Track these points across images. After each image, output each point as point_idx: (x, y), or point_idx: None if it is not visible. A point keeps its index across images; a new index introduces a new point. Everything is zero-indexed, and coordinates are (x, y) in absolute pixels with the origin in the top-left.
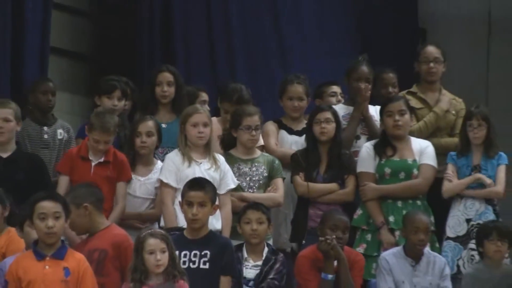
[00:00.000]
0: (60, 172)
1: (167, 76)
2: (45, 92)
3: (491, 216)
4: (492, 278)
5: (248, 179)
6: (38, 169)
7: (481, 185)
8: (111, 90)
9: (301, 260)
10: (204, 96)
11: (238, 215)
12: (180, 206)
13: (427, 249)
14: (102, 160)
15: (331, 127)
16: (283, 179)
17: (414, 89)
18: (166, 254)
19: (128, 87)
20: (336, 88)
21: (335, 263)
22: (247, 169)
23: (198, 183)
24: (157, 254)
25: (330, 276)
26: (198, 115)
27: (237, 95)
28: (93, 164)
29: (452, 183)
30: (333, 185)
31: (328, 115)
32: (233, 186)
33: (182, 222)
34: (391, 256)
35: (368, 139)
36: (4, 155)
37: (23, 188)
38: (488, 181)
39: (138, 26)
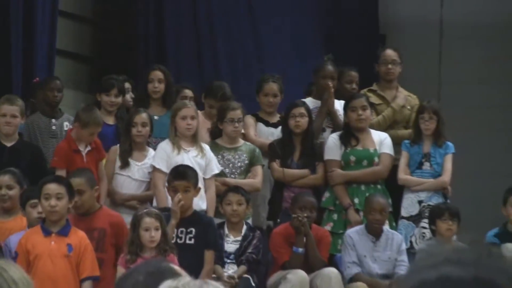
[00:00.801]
0: (56, 167)
1: (158, 74)
2: (52, 89)
3: (440, 199)
4: (443, 252)
5: (231, 165)
6: (37, 157)
7: (431, 175)
8: (109, 88)
9: (275, 236)
10: (187, 92)
11: (220, 197)
12: (167, 191)
13: (386, 227)
14: (90, 148)
15: (304, 120)
16: (262, 166)
17: (374, 87)
18: (160, 231)
19: (130, 84)
20: None
21: (305, 239)
22: (230, 156)
23: (181, 173)
24: (152, 231)
25: (300, 250)
26: (187, 109)
27: (221, 92)
28: (84, 154)
29: (412, 179)
30: (305, 171)
31: (302, 110)
32: (217, 171)
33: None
34: (355, 233)
35: (333, 132)
36: (8, 144)
37: (24, 174)
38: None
39: (135, 31)
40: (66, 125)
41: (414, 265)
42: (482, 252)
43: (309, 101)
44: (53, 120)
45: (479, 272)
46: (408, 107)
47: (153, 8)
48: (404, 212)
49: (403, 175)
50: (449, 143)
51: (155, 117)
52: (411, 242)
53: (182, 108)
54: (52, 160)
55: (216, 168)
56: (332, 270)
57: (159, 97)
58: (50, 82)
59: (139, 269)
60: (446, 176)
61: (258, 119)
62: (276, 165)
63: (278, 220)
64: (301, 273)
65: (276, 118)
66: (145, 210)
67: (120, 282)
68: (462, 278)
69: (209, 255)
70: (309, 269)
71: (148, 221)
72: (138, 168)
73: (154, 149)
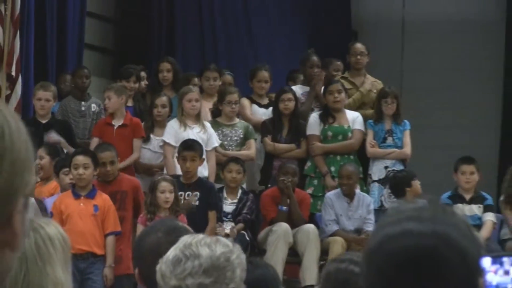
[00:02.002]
0: (93, 136)
1: (166, 65)
2: (81, 76)
3: (401, 166)
4: (405, 210)
5: (229, 139)
6: (67, 132)
7: (394, 147)
8: (128, 76)
9: (264, 197)
10: (196, 80)
11: (221, 165)
12: (177, 160)
13: (358, 190)
14: (121, 123)
15: (291, 104)
16: (255, 140)
17: (346, 74)
18: (173, 194)
19: (145, 73)
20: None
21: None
22: (228, 131)
23: (190, 145)
24: (167, 193)
25: (284, 208)
26: (192, 93)
27: (213, 64)
28: (115, 128)
29: (377, 150)
30: (292, 146)
31: (290, 95)
32: (216, 144)
33: (179, 171)
34: (333, 195)
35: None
36: (43, 121)
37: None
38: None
39: (149, 28)
40: (93, 107)
41: (380, 221)
42: (438, 210)
43: (299, 87)
44: (83, 103)
45: (436, 226)
46: (374, 91)
47: (165, 9)
48: (374, 176)
49: (370, 148)
50: (406, 121)
51: None
52: (381, 201)
53: (188, 93)
54: (93, 130)
55: (215, 141)
56: (311, 226)
57: (169, 84)
58: (79, 70)
59: (157, 227)
60: (408, 149)
61: (252, 101)
62: (268, 140)
63: (269, 185)
64: (284, 225)
65: (266, 100)
66: (161, 176)
67: (141, 239)
68: (421, 231)
69: (212, 215)
70: (292, 225)
71: (164, 184)
72: (158, 143)
73: None
